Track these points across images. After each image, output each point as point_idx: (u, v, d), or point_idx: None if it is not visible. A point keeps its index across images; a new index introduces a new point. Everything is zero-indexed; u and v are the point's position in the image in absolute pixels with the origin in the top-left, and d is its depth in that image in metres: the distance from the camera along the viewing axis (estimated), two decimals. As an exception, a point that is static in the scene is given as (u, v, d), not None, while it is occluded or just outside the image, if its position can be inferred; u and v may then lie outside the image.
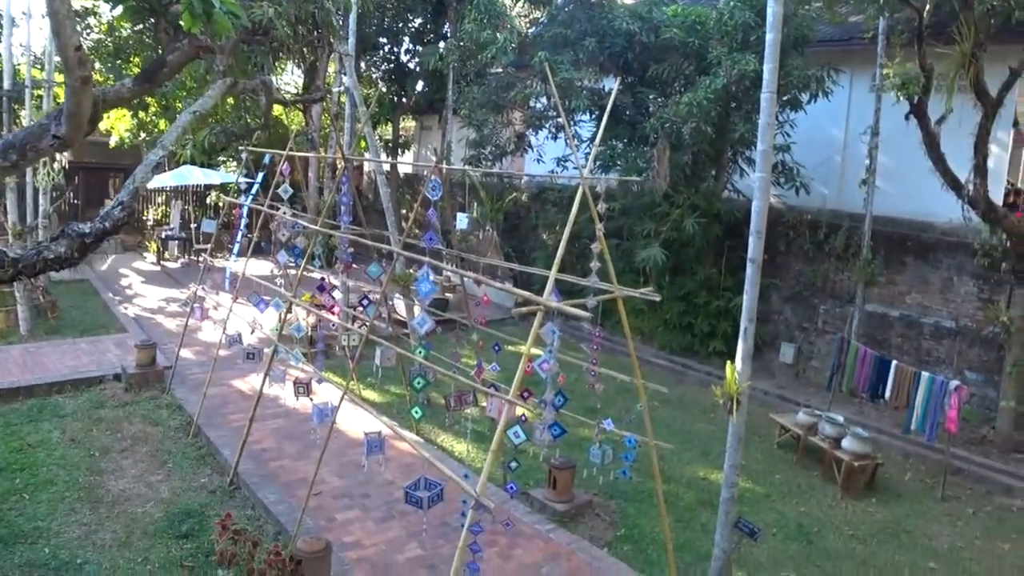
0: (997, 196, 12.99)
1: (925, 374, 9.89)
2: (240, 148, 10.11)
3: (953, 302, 12.69)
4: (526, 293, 5.12)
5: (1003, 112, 11.17)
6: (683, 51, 13.81)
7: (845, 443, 9.52)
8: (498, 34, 15.17)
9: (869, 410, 12.14)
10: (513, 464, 5.56)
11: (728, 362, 6.00)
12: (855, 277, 13.21)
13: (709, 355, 14.32)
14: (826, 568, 7.50)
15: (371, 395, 11.20)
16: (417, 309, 9.58)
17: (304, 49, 9.62)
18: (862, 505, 9.13)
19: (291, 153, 9.28)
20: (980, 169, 10.47)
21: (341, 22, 11.22)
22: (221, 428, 9.63)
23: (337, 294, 9.98)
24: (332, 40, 9.09)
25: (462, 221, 18.04)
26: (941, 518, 9.04)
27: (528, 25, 20.05)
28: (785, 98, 12.78)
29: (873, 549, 8.02)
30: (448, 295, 16.47)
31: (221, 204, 23.23)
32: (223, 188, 22.94)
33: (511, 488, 5.64)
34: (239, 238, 11.48)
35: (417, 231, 10.34)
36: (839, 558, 7.73)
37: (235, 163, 23.39)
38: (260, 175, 10.70)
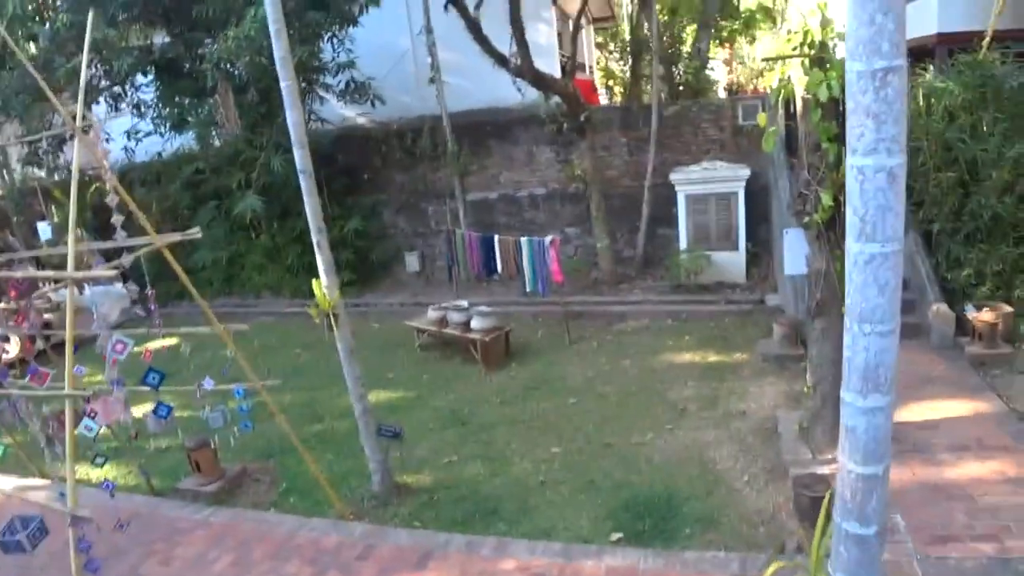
0: (554, 69, 14.43)
1: (523, 238, 10.77)
2: None
3: (539, 171, 13.98)
4: (49, 273, 4.41)
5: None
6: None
7: (474, 324, 10.07)
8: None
9: (495, 287, 13.04)
10: (100, 460, 4.93)
11: (314, 280, 5.84)
12: (450, 172, 13.85)
13: (343, 287, 14.01)
14: (482, 438, 7.94)
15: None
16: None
17: None
18: (504, 372, 9.83)
19: None
20: (520, 43, 11.34)
21: None
22: None
23: None
24: None
25: (45, 232, 15.67)
26: (573, 359, 10.08)
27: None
28: (335, 16, 12.61)
29: (520, 407, 8.66)
30: (49, 316, 14.19)
31: None
32: None
33: (107, 486, 5.01)
34: None
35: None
36: (493, 426, 8.22)
37: None
38: None
